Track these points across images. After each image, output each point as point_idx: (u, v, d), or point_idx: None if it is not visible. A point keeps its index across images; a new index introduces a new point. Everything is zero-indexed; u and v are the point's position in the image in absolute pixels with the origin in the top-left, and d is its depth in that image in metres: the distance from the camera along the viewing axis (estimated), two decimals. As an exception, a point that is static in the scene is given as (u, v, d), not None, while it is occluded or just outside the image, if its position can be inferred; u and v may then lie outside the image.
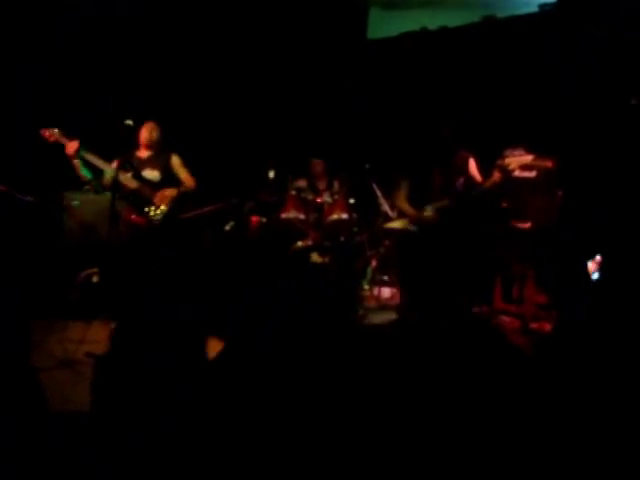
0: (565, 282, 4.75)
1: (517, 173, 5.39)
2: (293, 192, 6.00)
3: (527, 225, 5.27)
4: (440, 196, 4.70)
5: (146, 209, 4.83)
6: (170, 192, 4.90)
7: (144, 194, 4.85)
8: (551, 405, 2.46)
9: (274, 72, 7.29)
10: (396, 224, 5.01)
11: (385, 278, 5.84)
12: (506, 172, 4.46)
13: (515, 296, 5.41)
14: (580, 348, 3.13)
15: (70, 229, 5.49)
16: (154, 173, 4.95)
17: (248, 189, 6.16)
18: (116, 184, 4.50)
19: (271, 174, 6.09)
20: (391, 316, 5.05)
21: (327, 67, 7.45)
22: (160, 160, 5.03)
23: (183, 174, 5.07)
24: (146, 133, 5.01)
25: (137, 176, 4.89)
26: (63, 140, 4.66)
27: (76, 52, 6.11)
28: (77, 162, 4.66)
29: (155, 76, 6.57)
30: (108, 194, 4.70)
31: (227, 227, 5.84)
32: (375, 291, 5.79)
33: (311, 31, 7.26)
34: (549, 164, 5.20)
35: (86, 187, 5.16)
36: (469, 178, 4.73)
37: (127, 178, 4.84)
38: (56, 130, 4.71)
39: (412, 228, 4.78)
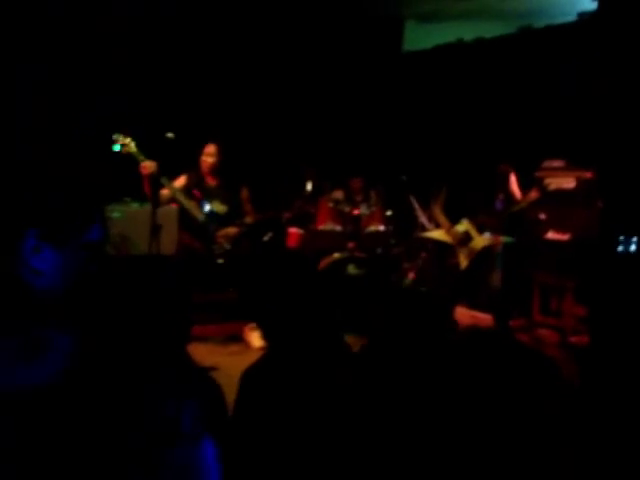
0: (604, 294, 4.68)
1: (556, 184, 5.36)
2: (330, 204, 6.06)
3: (566, 237, 5.22)
4: (478, 211, 4.70)
5: (209, 244, 4.76)
6: (233, 230, 4.84)
7: (208, 229, 4.77)
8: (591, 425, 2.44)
9: (312, 85, 7.39)
10: (433, 234, 5.03)
11: (423, 290, 5.83)
12: (544, 190, 4.45)
13: (554, 309, 5.35)
14: (618, 362, 3.10)
15: (112, 241, 5.60)
16: (222, 207, 4.88)
17: (286, 200, 6.24)
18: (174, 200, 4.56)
19: (309, 186, 6.14)
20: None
21: (364, 80, 7.51)
22: (230, 192, 4.95)
23: (249, 208, 5.06)
24: (210, 158, 4.88)
25: (204, 207, 4.81)
26: (139, 156, 4.46)
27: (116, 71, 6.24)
28: (149, 182, 4.49)
29: (194, 90, 6.70)
30: (149, 206, 4.66)
31: (265, 238, 5.90)
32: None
33: (348, 44, 7.33)
34: (588, 175, 5.14)
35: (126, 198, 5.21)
36: (509, 194, 4.71)
37: (193, 207, 4.71)
38: (129, 140, 4.49)
39: (449, 239, 4.79)
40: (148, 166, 4.42)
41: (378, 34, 7.50)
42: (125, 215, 5.61)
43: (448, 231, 4.80)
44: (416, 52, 7.52)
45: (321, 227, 5.96)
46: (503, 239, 4.63)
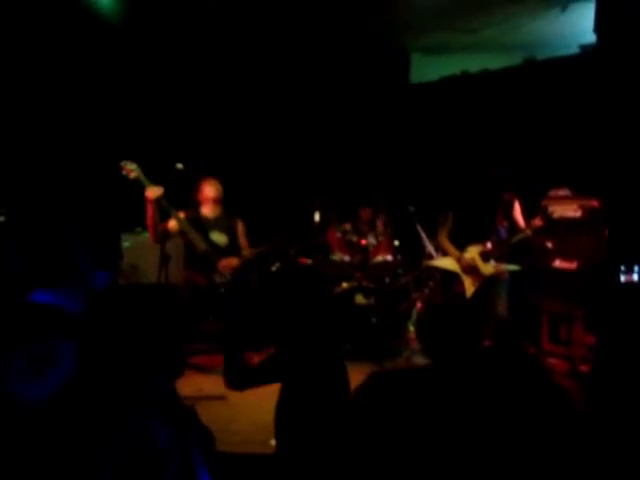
0: (613, 322, 4.66)
1: (562, 213, 5.38)
2: (338, 234, 6.12)
3: (573, 265, 5.22)
4: (482, 238, 4.73)
5: (210, 273, 4.76)
6: (234, 262, 4.84)
7: (211, 258, 4.76)
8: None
9: (321, 116, 7.50)
10: (439, 262, 5.05)
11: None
12: (548, 218, 4.48)
13: (563, 337, 5.33)
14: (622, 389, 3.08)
15: (122, 269, 5.66)
16: (222, 237, 4.90)
17: (294, 231, 6.31)
18: (182, 234, 4.58)
19: (316, 217, 6.20)
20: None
21: (372, 111, 7.63)
22: (227, 224, 4.97)
23: (244, 242, 5.06)
24: (209, 191, 4.92)
25: (205, 237, 4.81)
26: (145, 181, 4.44)
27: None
28: (153, 207, 4.47)
29: (201, 127, 6.81)
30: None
31: (273, 268, 5.93)
32: (420, 333, 5.78)
33: (355, 76, 7.46)
34: (594, 204, 5.17)
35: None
36: (512, 222, 4.75)
37: (196, 237, 4.73)
38: (136, 166, 4.46)
39: (455, 268, 4.81)
40: (154, 191, 4.43)
41: (386, 66, 7.63)
42: (135, 245, 5.70)
43: (454, 259, 4.83)
44: (422, 84, 7.63)
45: (329, 257, 6.02)
46: (508, 267, 4.64)
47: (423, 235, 5.84)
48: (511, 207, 4.75)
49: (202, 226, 4.85)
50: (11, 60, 5.42)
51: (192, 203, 5.02)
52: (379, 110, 7.63)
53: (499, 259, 4.64)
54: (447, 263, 4.93)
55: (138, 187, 4.48)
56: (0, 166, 5.34)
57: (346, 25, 6.59)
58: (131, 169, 4.43)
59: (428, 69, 7.48)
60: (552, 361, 5.20)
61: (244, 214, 5.29)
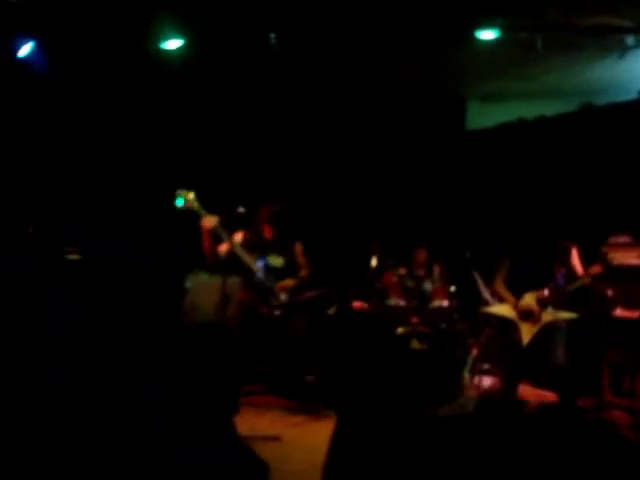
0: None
1: (623, 260, 5.26)
2: (395, 279, 6.16)
3: (635, 314, 5.07)
4: (539, 285, 4.67)
5: (267, 296, 4.86)
6: (290, 282, 4.92)
7: (266, 283, 4.86)
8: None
9: (379, 162, 7.64)
10: (495, 309, 5.00)
11: (486, 367, 5.74)
12: (607, 264, 4.39)
13: (626, 388, 5.14)
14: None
15: (185, 310, 5.82)
16: (279, 260, 4.98)
17: (351, 275, 6.37)
18: (234, 259, 4.65)
19: (374, 261, 6.25)
20: (492, 405, 4.94)
21: (429, 157, 7.72)
22: (285, 246, 5.05)
23: (303, 262, 5.13)
24: (269, 215, 5.02)
25: (261, 261, 4.91)
26: (201, 210, 4.52)
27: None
28: (208, 236, 4.54)
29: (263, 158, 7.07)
30: (219, 278, 4.68)
31: (330, 311, 5.99)
32: (476, 380, 5.69)
33: (413, 123, 7.59)
34: (656, 251, 5.04)
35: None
36: (570, 269, 4.67)
37: (252, 261, 4.82)
38: (192, 195, 4.53)
39: (511, 315, 4.75)
40: (210, 220, 4.51)
41: (442, 114, 7.73)
42: (196, 284, 5.88)
43: (511, 306, 4.77)
44: (479, 131, 7.68)
45: (386, 302, 6.06)
46: (566, 315, 4.56)
47: (479, 281, 5.81)
48: (569, 254, 4.69)
49: (259, 248, 4.95)
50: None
51: (254, 223, 5.09)
52: (436, 156, 7.70)
53: (557, 306, 4.57)
54: (503, 310, 4.87)
55: (192, 218, 4.56)
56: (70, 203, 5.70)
57: (405, 72, 6.74)
58: (187, 198, 4.50)
59: (484, 116, 7.53)
60: (614, 413, 5.02)
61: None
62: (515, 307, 4.74)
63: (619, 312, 5.16)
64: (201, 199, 4.63)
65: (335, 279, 6.06)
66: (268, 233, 5.07)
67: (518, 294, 4.79)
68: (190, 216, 4.60)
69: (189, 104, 6.51)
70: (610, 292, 5.24)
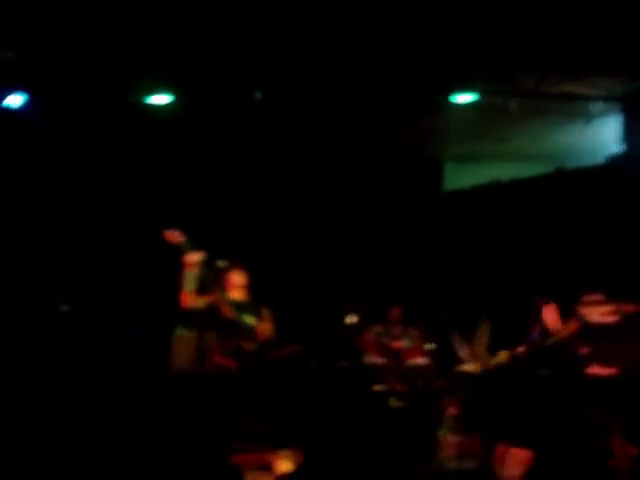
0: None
1: (597, 318, 5.32)
2: (372, 336, 6.15)
3: (611, 372, 5.10)
4: (515, 343, 4.69)
5: (241, 340, 4.79)
6: (269, 328, 4.93)
7: (243, 328, 4.83)
8: None
9: (356, 219, 7.75)
10: (468, 367, 4.99)
11: (463, 425, 5.70)
12: (583, 321, 4.44)
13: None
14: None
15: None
16: (252, 320, 4.94)
17: (327, 331, 6.35)
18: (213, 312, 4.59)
19: (353, 318, 6.25)
20: (470, 464, 4.88)
21: (405, 216, 7.85)
22: (256, 308, 5.02)
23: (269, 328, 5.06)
24: (239, 278, 4.98)
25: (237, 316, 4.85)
26: (187, 247, 4.50)
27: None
28: (189, 275, 4.51)
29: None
30: (195, 332, 4.67)
31: (312, 364, 5.92)
32: (453, 439, 5.64)
33: (392, 184, 7.75)
34: (630, 308, 5.12)
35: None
36: (544, 326, 4.70)
37: (228, 308, 4.75)
38: (180, 234, 4.54)
39: (482, 372, 4.75)
40: (194, 255, 4.49)
41: (419, 174, 7.91)
42: (172, 339, 5.80)
43: (484, 364, 4.77)
44: (455, 192, 7.86)
45: (363, 359, 6.03)
46: (543, 372, 4.56)
47: (456, 339, 5.82)
48: (541, 311, 4.72)
49: (235, 308, 4.86)
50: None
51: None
52: (413, 215, 7.84)
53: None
54: (475, 367, 4.87)
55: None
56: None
57: (381, 135, 6.93)
58: (175, 235, 4.50)
59: (460, 177, 7.73)
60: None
61: (278, 311, 5.33)
62: (488, 364, 4.72)
63: (594, 370, 5.19)
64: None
65: (310, 337, 6.03)
66: (238, 295, 4.99)
67: (493, 352, 4.79)
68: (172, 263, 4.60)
69: (174, 154, 6.61)
70: (585, 350, 5.29)
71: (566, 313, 5.03)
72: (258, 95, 5.47)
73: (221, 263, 4.60)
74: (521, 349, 4.62)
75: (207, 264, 4.59)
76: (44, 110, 5.41)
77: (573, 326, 4.55)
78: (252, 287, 5.14)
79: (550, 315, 4.73)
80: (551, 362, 4.71)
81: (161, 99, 5.50)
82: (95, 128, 5.95)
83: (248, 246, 6.83)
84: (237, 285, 5.02)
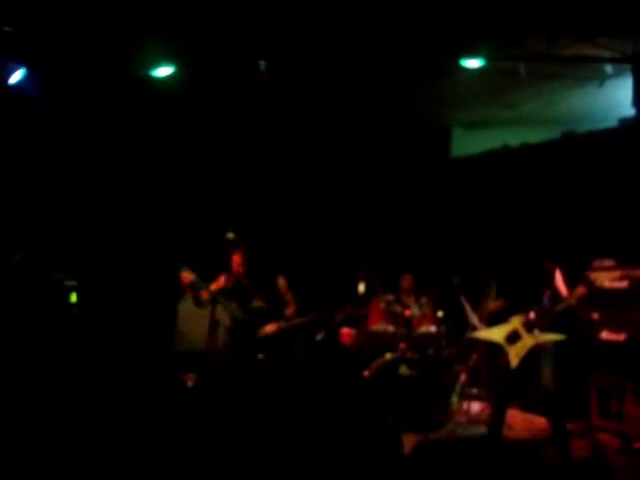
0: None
1: (608, 284, 5.31)
2: (382, 305, 6.16)
3: (621, 336, 5.11)
4: (526, 309, 4.68)
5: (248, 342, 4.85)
6: (273, 328, 4.88)
7: (247, 327, 4.85)
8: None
9: (364, 189, 7.72)
10: (482, 334, 4.99)
11: (474, 392, 5.74)
12: (591, 286, 4.41)
13: (614, 412, 5.15)
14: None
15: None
16: (259, 302, 4.95)
17: (339, 301, 6.37)
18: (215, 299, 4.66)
19: (361, 287, 6.24)
20: (481, 430, 4.93)
21: (415, 185, 7.80)
22: (265, 286, 5.04)
23: (289, 297, 5.11)
24: (238, 263, 4.96)
25: (244, 306, 4.88)
26: (199, 287, 4.71)
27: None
28: (190, 288, 4.72)
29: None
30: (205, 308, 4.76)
31: (318, 337, 5.95)
32: (464, 405, 5.68)
33: (400, 151, 7.69)
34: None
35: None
36: (555, 291, 4.68)
37: (230, 307, 4.83)
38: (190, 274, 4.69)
39: (498, 339, 4.74)
40: (186, 276, 4.66)
41: (428, 141, 7.84)
42: (181, 311, 5.84)
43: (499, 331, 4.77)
44: (463, 158, 7.79)
45: (373, 328, 6.05)
46: (553, 337, 4.56)
47: (467, 306, 5.82)
48: (552, 276, 4.70)
49: (243, 294, 4.93)
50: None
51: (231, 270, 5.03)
52: (421, 183, 7.79)
53: (543, 329, 4.56)
54: (490, 334, 4.87)
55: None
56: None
57: (391, 102, 6.85)
58: (186, 275, 4.68)
59: (469, 144, 7.64)
60: (603, 437, 5.02)
61: (291, 282, 5.33)
62: (502, 330, 4.72)
63: (605, 335, 5.20)
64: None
65: (322, 306, 6.04)
66: (245, 280, 5.01)
67: (505, 317, 4.79)
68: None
69: (179, 128, 6.58)
70: (595, 315, 5.29)
71: (577, 278, 5.03)
72: (262, 66, 5.39)
73: (230, 235, 4.60)
74: (532, 314, 4.61)
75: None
76: (44, 85, 5.37)
77: (582, 290, 4.51)
78: (264, 260, 5.15)
79: (559, 280, 4.70)
80: (564, 327, 4.69)
81: (164, 71, 5.43)
82: (97, 102, 5.91)
83: (258, 219, 6.85)
84: (239, 271, 4.99)
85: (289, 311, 5.00)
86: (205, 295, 4.84)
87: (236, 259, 5.00)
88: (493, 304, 4.93)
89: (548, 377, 4.44)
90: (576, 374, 5.13)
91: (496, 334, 4.79)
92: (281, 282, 5.10)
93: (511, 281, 4.87)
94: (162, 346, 5.80)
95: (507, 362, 4.65)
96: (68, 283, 5.38)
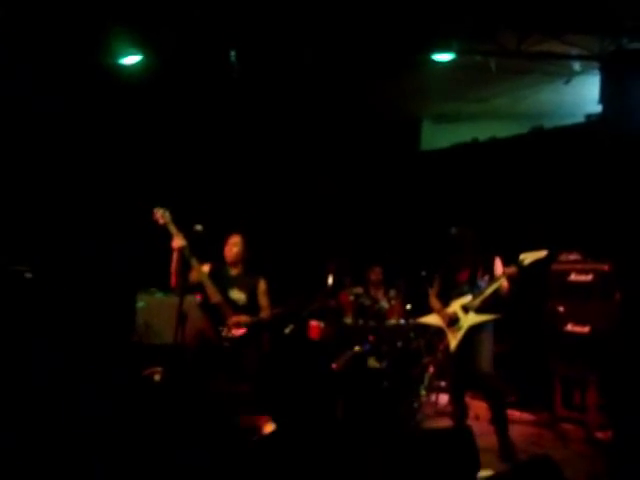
0: (625, 389, 4.62)
1: (573, 277, 5.42)
2: (351, 297, 6.18)
3: (586, 329, 5.22)
4: (463, 292, 4.72)
5: (220, 328, 4.66)
6: (245, 319, 4.71)
7: (222, 313, 4.68)
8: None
9: (332, 181, 7.71)
10: (425, 319, 5.05)
11: (443, 384, 5.81)
12: (521, 266, 4.46)
13: (577, 402, 5.27)
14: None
15: (137, 328, 5.73)
16: (241, 295, 4.78)
17: (307, 294, 6.36)
18: (200, 287, 4.57)
19: (330, 280, 6.24)
20: (448, 423, 4.99)
21: (382, 177, 7.82)
22: (248, 282, 4.85)
23: (264, 301, 4.89)
24: (234, 248, 4.84)
25: (223, 293, 4.72)
26: (173, 229, 4.50)
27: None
28: (177, 256, 4.51)
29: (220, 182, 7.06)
30: (175, 297, 4.58)
31: (286, 330, 5.92)
32: (433, 397, 5.75)
33: (368, 143, 7.69)
34: (605, 267, 5.21)
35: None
36: (492, 276, 4.71)
37: (212, 290, 4.68)
38: (168, 214, 4.53)
39: (440, 324, 4.81)
40: (179, 241, 4.48)
41: (397, 134, 7.85)
42: (150, 304, 5.76)
43: (438, 314, 4.82)
44: (433, 151, 7.83)
45: (342, 320, 6.07)
46: (487, 317, 4.59)
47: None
48: (492, 264, 4.73)
49: (223, 282, 4.77)
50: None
51: (222, 258, 4.93)
52: (390, 176, 7.82)
53: (480, 311, 4.61)
54: (432, 319, 4.95)
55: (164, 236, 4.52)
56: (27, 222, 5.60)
57: (361, 94, 6.84)
58: (162, 215, 4.49)
59: (438, 137, 7.69)
60: (566, 427, 5.14)
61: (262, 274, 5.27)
62: (440, 314, 4.78)
63: (570, 327, 5.30)
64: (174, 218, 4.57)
65: (290, 299, 6.03)
66: (234, 269, 4.86)
67: (446, 304, 4.82)
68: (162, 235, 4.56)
69: (147, 118, 6.48)
70: (561, 308, 5.39)
71: (542, 271, 5.10)
72: (233, 56, 5.32)
73: (198, 227, 4.53)
74: (469, 298, 4.64)
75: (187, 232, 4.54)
76: (13, 72, 5.23)
77: (510, 270, 4.52)
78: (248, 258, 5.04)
79: (497, 266, 4.72)
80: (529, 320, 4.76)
81: (131, 59, 5.32)
82: (66, 89, 5.78)
83: (231, 209, 6.79)
84: (229, 259, 4.87)
85: (263, 314, 4.90)
86: (194, 276, 4.65)
87: (232, 244, 4.87)
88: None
89: (485, 359, 4.48)
90: (542, 366, 5.22)
91: (437, 319, 4.84)
92: (261, 285, 4.95)
93: (452, 269, 4.90)
94: (122, 341, 5.72)
95: (447, 345, 4.73)
96: (28, 275, 5.27)
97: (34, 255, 5.51)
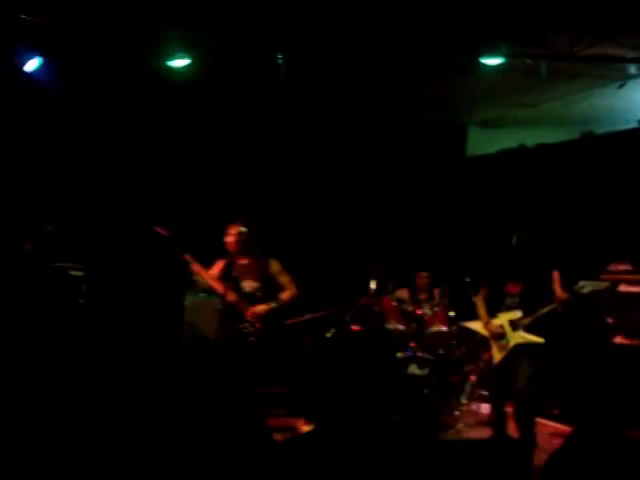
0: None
1: (623, 288, 5.25)
2: (394, 303, 6.13)
3: (636, 341, 5.05)
4: (514, 307, 4.60)
5: (240, 326, 4.68)
6: (262, 309, 4.70)
7: (239, 309, 4.69)
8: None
9: (381, 187, 7.69)
10: (472, 324, 4.92)
11: (484, 393, 5.70)
12: (574, 293, 4.31)
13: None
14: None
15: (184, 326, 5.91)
16: (254, 284, 4.76)
17: (350, 298, 6.33)
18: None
19: (373, 284, 6.20)
20: (489, 433, 4.87)
21: (429, 182, 7.76)
22: (259, 268, 4.78)
23: (284, 280, 4.82)
24: (230, 238, 4.79)
25: (236, 287, 4.75)
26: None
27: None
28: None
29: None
30: (217, 296, 4.80)
31: (328, 334, 5.91)
32: (474, 406, 5.64)
33: (415, 149, 7.65)
34: (656, 279, 5.04)
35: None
36: (550, 294, 4.55)
37: (224, 291, 4.71)
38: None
39: (484, 332, 4.69)
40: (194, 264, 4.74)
41: (443, 140, 7.78)
42: (193, 303, 5.93)
43: (485, 325, 4.70)
44: (479, 156, 7.72)
45: (385, 326, 6.02)
46: (534, 339, 4.45)
47: (480, 306, 5.77)
48: (549, 278, 4.58)
49: (235, 275, 4.78)
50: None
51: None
52: (436, 181, 7.75)
53: (529, 329, 4.47)
54: (477, 326, 4.82)
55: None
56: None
57: (408, 100, 6.79)
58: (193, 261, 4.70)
59: (485, 142, 7.58)
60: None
61: (303, 277, 5.26)
62: (486, 325, 4.64)
63: (620, 340, 5.13)
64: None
65: (333, 302, 6.01)
66: (242, 259, 4.82)
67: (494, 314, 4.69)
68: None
69: (193, 120, 6.59)
70: (610, 319, 5.23)
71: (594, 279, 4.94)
72: (280, 59, 5.34)
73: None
74: (519, 314, 4.51)
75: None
76: (61, 74, 5.37)
77: (563, 296, 4.37)
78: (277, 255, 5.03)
79: (555, 283, 4.56)
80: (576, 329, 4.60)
81: (180, 62, 5.40)
82: (114, 92, 5.92)
83: (271, 212, 6.84)
84: (232, 249, 4.85)
85: (285, 295, 4.83)
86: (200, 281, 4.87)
87: (229, 235, 4.84)
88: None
89: (523, 377, 4.36)
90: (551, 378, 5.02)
91: (482, 327, 4.71)
92: (273, 266, 4.84)
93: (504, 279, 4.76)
94: (169, 339, 5.82)
95: (490, 357, 4.61)
96: (74, 273, 5.42)
97: (84, 254, 5.66)
